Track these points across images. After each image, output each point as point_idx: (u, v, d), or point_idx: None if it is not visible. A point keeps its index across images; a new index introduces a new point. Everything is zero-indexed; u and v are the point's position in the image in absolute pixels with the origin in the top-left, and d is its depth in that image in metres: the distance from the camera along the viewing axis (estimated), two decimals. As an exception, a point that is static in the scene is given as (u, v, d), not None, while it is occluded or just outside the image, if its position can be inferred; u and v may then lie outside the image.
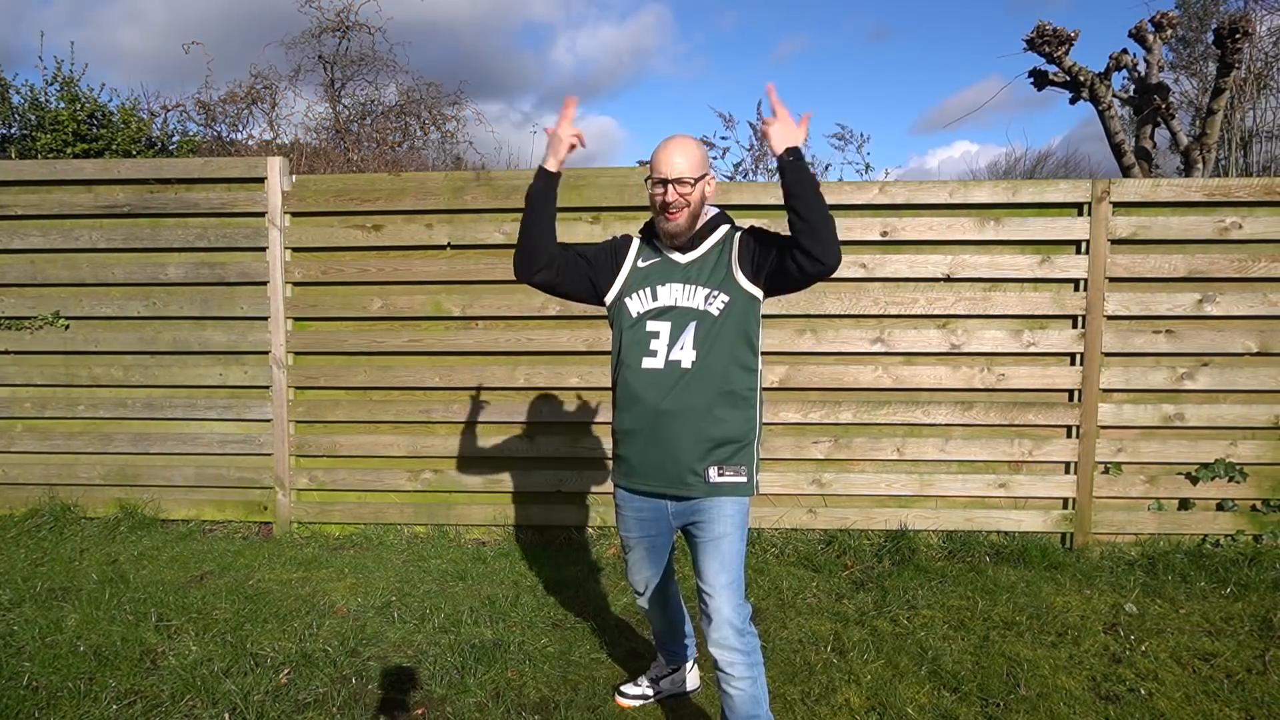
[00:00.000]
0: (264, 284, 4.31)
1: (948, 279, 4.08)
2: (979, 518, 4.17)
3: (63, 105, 6.80)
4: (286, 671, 2.87)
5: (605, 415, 4.20)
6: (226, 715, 2.60)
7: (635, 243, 2.33)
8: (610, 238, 2.39)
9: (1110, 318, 4.03)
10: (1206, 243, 4.00)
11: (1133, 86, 5.94)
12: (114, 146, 6.77)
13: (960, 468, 4.18)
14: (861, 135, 9.13)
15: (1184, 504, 4.13)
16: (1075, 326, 4.07)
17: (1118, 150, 5.85)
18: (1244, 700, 2.72)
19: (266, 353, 4.35)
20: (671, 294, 2.20)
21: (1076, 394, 4.09)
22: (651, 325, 2.19)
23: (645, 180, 2.22)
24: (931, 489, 4.17)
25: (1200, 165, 5.59)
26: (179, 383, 4.42)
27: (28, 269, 4.42)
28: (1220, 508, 4.10)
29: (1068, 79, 5.85)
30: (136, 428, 4.48)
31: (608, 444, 4.24)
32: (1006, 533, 4.15)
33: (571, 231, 4.15)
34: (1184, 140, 5.73)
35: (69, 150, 6.56)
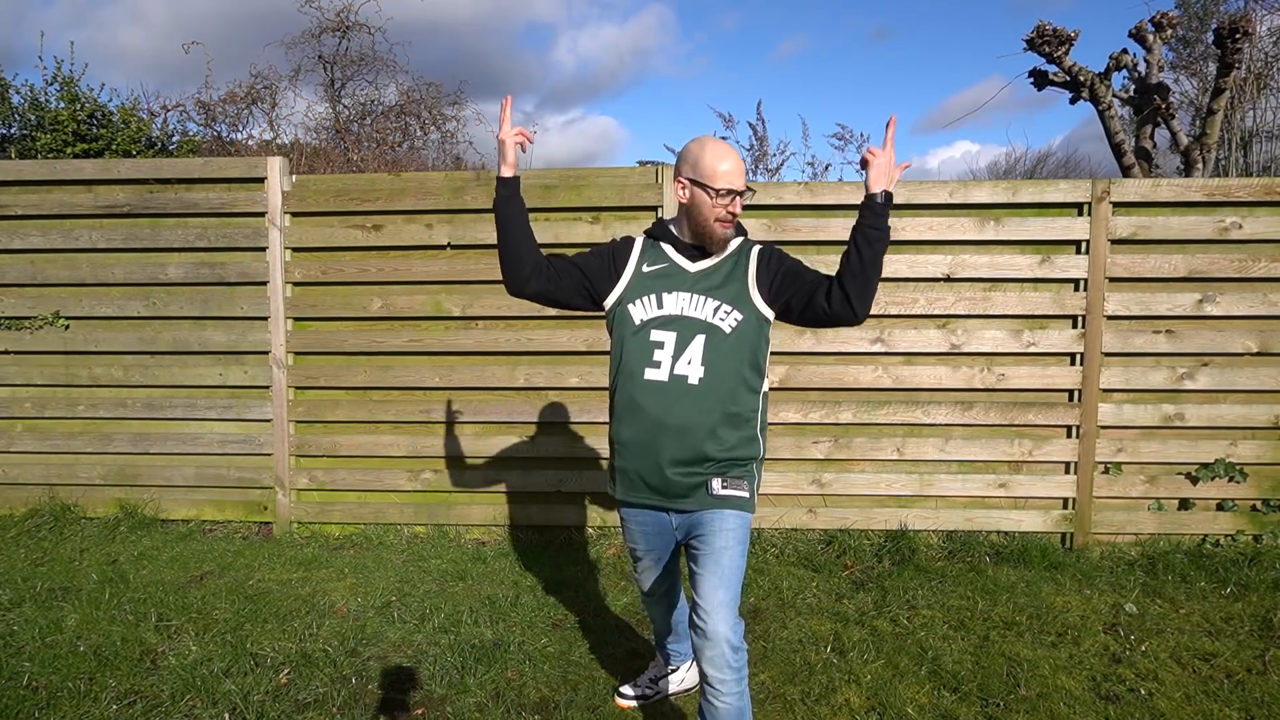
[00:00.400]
0: (264, 284, 4.31)
1: (948, 279, 4.08)
2: (979, 518, 4.17)
3: (63, 105, 6.80)
4: (286, 671, 2.87)
5: (604, 416, 4.19)
6: (226, 715, 2.60)
7: (638, 245, 2.25)
8: (610, 240, 2.33)
9: (1110, 318, 4.03)
10: (1207, 243, 4.00)
11: (1133, 86, 5.94)
12: (114, 146, 6.78)
13: (960, 468, 4.18)
14: (862, 135, 9.14)
15: (1184, 504, 4.13)
16: (1075, 326, 4.07)
17: (1118, 150, 5.85)
18: (1244, 700, 2.72)
19: (266, 353, 4.35)
20: (678, 303, 2.14)
21: (1076, 394, 4.09)
22: (656, 334, 2.12)
23: (682, 184, 2.15)
24: (931, 489, 4.17)
25: (1200, 165, 5.59)
26: (179, 383, 4.42)
27: (28, 269, 4.42)
28: (1220, 508, 4.10)
29: (1068, 79, 5.85)
30: (136, 428, 4.48)
31: (608, 445, 4.23)
32: (1006, 533, 4.15)
33: (572, 231, 4.15)
34: (1184, 140, 5.73)
35: (69, 150, 6.56)
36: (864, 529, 4.18)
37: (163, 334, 4.41)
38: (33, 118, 6.80)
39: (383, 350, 4.31)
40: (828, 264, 4.03)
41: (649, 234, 2.29)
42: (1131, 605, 3.46)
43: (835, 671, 2.90)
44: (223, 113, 9.75)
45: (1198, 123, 6.18)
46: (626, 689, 2.73)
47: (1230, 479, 4.05)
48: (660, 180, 4.11)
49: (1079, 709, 2.66)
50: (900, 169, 2.12)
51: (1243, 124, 7.70)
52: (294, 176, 4.31)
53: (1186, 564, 3.88)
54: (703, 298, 2.14)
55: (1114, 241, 4.00)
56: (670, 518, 2.21)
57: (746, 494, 2.15)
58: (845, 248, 2.09)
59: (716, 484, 2.12)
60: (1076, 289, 4.05)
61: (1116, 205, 4.00)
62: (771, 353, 4.06)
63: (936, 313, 4.09)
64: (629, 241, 2.28)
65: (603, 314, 2.26)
